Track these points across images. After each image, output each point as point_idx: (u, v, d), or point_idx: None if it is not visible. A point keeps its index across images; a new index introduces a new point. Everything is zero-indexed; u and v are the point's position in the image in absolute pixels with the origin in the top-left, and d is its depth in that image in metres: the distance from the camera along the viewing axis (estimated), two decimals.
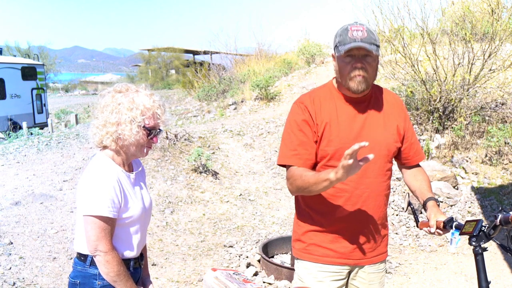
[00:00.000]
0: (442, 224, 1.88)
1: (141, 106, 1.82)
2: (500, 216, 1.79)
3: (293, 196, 2.16)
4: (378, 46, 1.91)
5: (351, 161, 1.61)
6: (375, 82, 2.07)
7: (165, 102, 2.01)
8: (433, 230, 1.90)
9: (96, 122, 1.86)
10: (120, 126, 1.81)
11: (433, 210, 1.95)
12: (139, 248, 1.94)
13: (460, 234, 1.84)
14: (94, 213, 1.73)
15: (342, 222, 2.01)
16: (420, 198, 2.07)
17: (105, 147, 1.87)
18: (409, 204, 2.24)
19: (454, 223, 1.86)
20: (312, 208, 2.06)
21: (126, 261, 1.88)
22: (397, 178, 6.25)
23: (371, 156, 1.63)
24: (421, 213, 5.43)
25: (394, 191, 6.16)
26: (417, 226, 2.05)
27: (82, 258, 1.84)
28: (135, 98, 1.83)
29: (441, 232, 1.91)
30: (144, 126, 1.83)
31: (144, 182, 2.04)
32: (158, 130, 1.89)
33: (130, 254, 1.90)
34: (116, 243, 1.84)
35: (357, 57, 1.89)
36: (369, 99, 2.03)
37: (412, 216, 5.67)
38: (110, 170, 1.81)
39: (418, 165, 2.18)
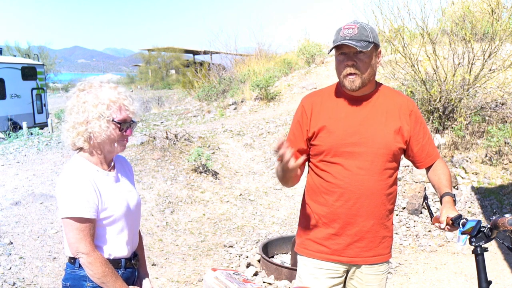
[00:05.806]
0: (450, 221, 1.88)
1: (106, 100, 1.79)
2: (493, 218, 1.79)
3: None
4: (370, 42, 1.90)
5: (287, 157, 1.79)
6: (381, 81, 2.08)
7: (132, 94, 1.99)
8: (443, 226, 1.90)
9: (66, 125, 1.84)
10: (89, 124, 1.78)
11: (446, 206, 1.94)
12: (129, 247, 1.92)
13: (461, 234, 1.84)
14: (69, 215, 1.73)
15: (335, 218, 2.02)
16: (438, 193, 2.07)
17: (80, 149, 1.86)
18: (425, 198, 2.24)
19: (461, 221, 1.85)
20: (310, 201, 2.10)
21: (116, 261, 1.86)
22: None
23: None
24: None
25: None
26: (431, 221, 2.04)
27: (71, 260, 1.85)
28: (99, 93, 1.80)
29: (450, 228, 1.91)
30: (113, 120, 1.80)
31: (129, 179, 2.01)
32: (130, 122, 1.86)
33: (118, 254, 1.88)
34: (101, 243, 1.83)
35: (349, 55, 1.91)
36: (372, 98, 2.03)
37: (410, 216, 5.67)
38: (82, 171, 1.79)
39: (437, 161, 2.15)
